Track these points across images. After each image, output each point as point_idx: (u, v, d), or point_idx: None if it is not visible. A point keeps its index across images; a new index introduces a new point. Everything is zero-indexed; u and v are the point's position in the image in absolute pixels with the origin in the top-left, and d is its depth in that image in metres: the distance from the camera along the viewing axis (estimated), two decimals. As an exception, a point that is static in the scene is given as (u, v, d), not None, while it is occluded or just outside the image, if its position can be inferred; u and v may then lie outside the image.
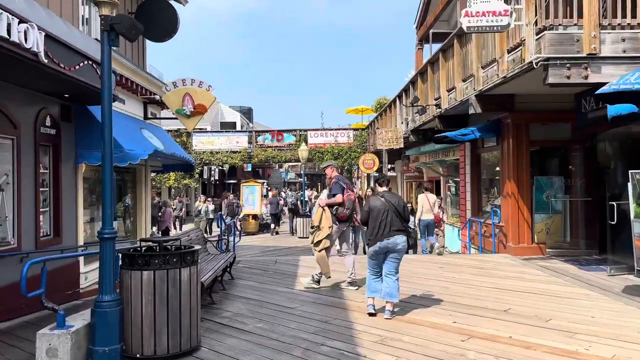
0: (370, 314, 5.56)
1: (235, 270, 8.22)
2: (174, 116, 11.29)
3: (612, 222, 7.57)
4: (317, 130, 27.10)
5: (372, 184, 19.22)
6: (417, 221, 12.08)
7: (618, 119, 6.16)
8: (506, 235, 10.17)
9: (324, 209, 6.97)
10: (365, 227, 5.90)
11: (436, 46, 15.03)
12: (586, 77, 6.81)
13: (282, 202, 24.68)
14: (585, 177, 9.56)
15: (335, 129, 27.10)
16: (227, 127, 37.03)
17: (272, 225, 21.28)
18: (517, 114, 9.81)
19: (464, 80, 10.45)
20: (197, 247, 4.59)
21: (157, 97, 11.33)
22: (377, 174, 23.05)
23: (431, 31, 16.91)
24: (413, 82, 15.07)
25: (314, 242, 6.98)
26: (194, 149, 27.90)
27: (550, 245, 9.79)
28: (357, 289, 6.84)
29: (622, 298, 6.19)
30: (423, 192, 12.42)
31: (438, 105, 12.27)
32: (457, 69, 10.71)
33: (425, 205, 11.93)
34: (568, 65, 6.79)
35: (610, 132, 9.12)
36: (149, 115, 11.66)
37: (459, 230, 12.99)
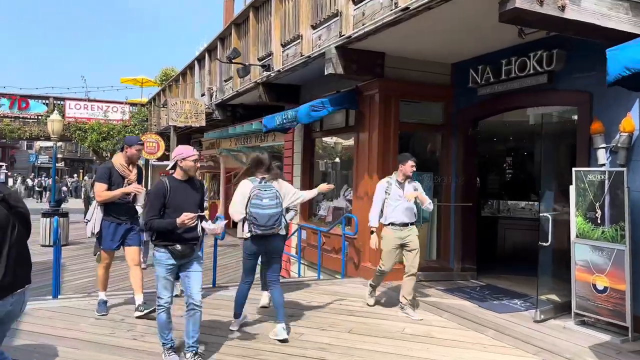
0: None
1: None
2: None
3: (546, 244, 5.17)
4: (80, 100, 20.75)
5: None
6: None
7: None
8: (360, 251, 7.25)
9: None
10: None
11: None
12: (563, 8, 4.13)
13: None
14: (466, 175, 7.24)
15: (106, 102, 21.17)
16: (-56, 86, 26.80)
17: None
18: (387, 83, 6.94)
19: (315, 27, 7.15)
20: None
21: None
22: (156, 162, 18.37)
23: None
24: (223, 38, 11.22)
25: None
26: None
27: (416, 266, 7.20)
28: None
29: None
30: None
31: (266, 67, 8.74)
32: (304, 9, 7.35)
33: None
34: (542, -17, 4.00)
35: (508, 116, 6.97)
36: None
37: (281, 241, 9.69)
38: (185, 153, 3.89)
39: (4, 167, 37.62)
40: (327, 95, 7.53)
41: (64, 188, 21.12)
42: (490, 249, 8.06)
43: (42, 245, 12.20)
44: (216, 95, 11.68)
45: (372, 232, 5.38)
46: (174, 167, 3.90)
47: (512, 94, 6.27)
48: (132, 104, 21.93)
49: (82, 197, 20.77)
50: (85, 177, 31.27)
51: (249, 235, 4.35)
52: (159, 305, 3.84)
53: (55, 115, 13.31)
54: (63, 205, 19.50)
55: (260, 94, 9.13)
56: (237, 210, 4.38)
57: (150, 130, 18.67)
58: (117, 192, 4.86)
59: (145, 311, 4.83)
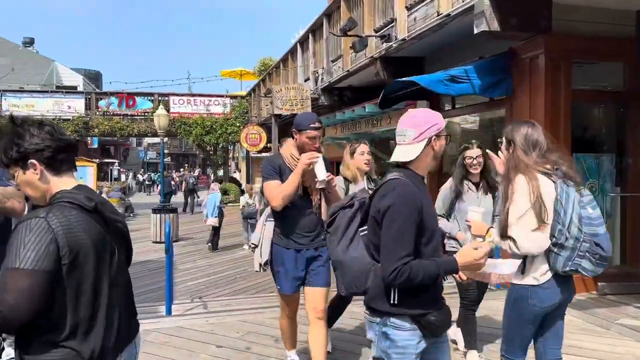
0: None
1: None
2: None
3: None
4: (183, 95, 20.95)
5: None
6: None
7: None
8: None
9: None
10: None
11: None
12: None
13: None
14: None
15: (207, 95, 21.20)
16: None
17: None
18: (556, 40, 5.37)
19: (457, -24, 5.74)
20: None
21: None
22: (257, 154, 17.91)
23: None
24: (329, 13, 10.12)
25: None
26: (4, 113, 20.09)
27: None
28: None
29: None
30: None
31: (385, 37, 7.48)
32: (440, -43, 5.96)
33: None
34: None
35: None
36: None
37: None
38: (441, 122, 2.01)
39: (116, 164, 40.21)
40: (470, 62, 6.10)
41: (172, 182, 21.86)
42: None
43: (154, 242, 12.05)
44: (322, 78, 10.66)
45: None
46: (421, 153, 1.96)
47: None
48: (233, 97, 21.81)
49: (183, 189, 21.20)
50: (185, 171, 32.41)
51: (547, 277, 2.39)
52: None
53: (161, 110, 13.14)
54: (172, 199, 19.98)
55: (378, 71, 7.91)
56: (543, 235, 2.35)
57: (251, 121, 18.30)
58: (294, 176, 3.07)
59: None
